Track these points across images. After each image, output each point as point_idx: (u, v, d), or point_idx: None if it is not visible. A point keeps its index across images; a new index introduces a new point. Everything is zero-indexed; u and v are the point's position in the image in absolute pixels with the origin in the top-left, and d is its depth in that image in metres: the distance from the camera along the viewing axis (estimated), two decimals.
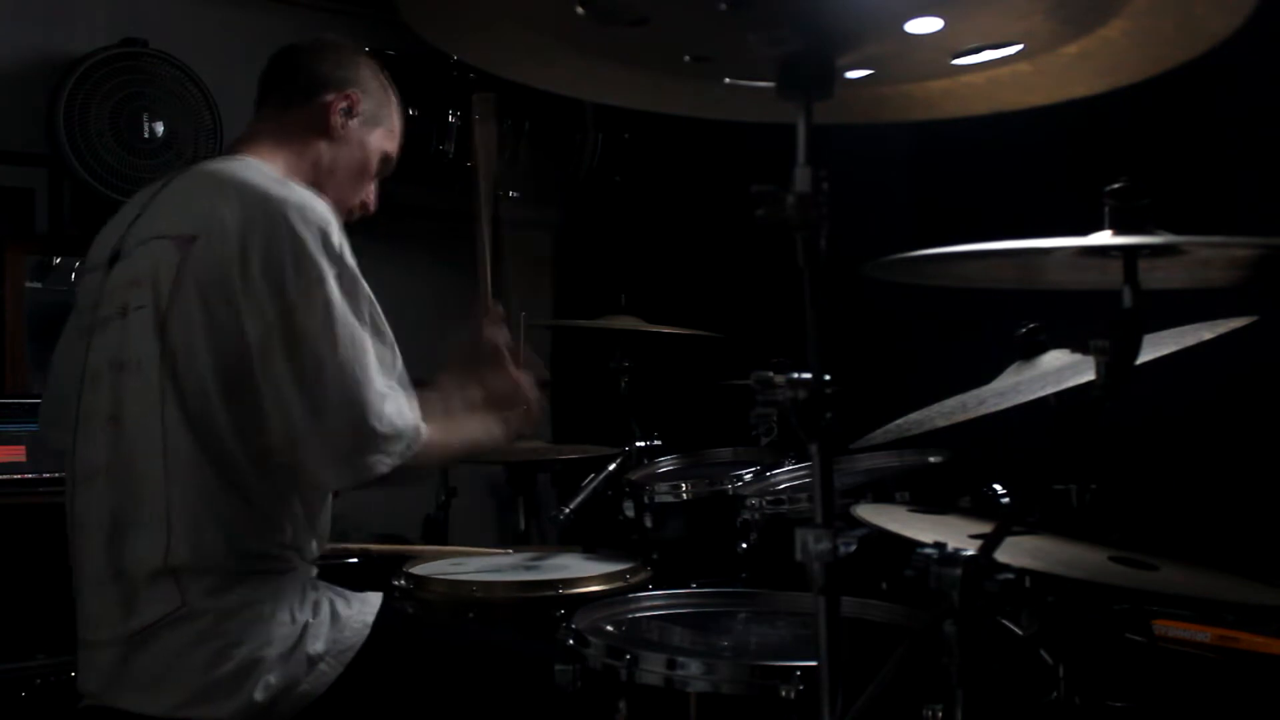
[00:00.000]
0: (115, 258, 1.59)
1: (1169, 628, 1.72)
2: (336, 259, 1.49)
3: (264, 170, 1.59)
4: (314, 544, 1.62)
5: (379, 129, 1.79)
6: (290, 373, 1.44)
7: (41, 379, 2.90)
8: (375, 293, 1.54)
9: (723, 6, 0.88)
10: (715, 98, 1.10)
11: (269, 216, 1.48)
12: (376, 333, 1.52)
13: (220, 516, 1.47)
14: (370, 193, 1.82)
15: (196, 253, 1.48)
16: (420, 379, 1.63)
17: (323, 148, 1.72)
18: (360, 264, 1.54)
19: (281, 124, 1.72)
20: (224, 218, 1.48)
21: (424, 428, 1.53)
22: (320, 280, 1.46)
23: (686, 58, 1.00)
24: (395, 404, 1.50)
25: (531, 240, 4.17)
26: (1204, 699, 1.71)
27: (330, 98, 1.72)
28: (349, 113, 1.73)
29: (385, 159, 1.81)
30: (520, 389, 1.77)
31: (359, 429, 1.45)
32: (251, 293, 1.45)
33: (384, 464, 1.48)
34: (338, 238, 1.51)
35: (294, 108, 1.72)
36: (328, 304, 1.46)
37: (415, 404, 1.55)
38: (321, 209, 1.52)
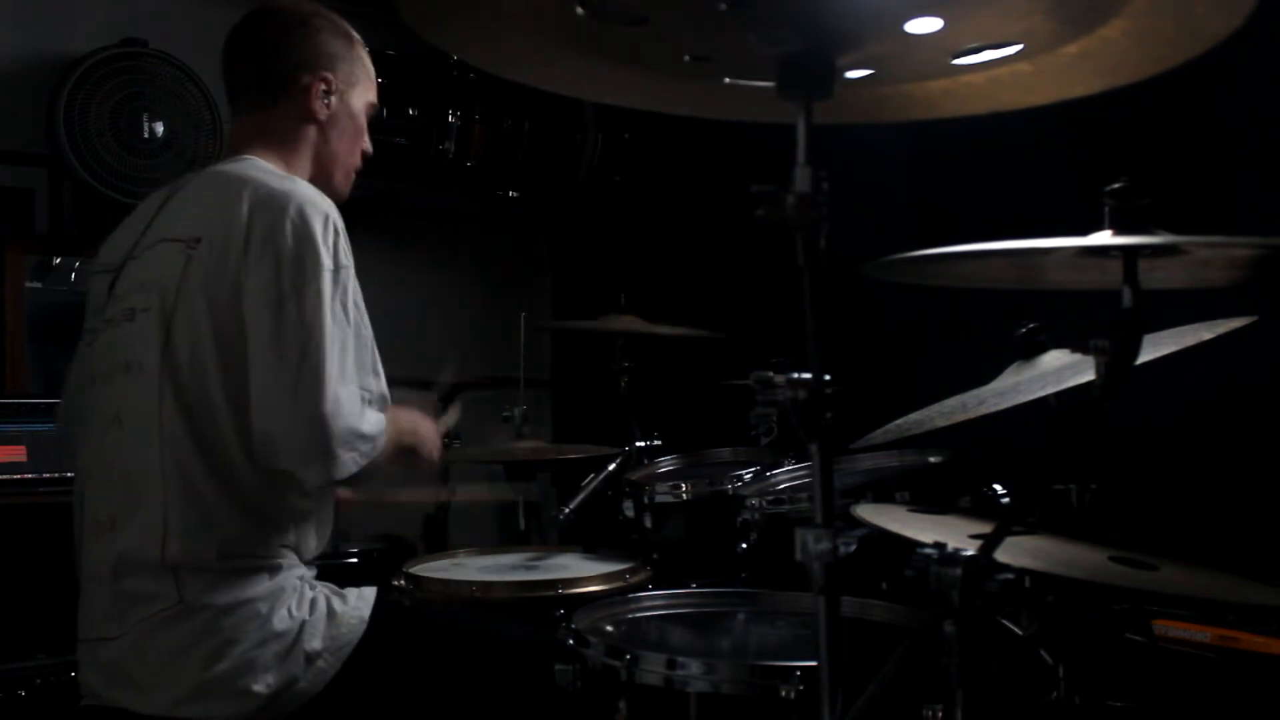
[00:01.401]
0: (126, 262, 1.62)
1: (1169, 628, 1.72)
2: (333, 254, 1.51)
3: (268, 168, 1.62)
4: (314, 543, 1.63)
5: (358, 87, 1.79)
6: (275, 360, 1.45)
7: (41, 379, 2.92)
8: (376, 292, 1.54)
9: (723, 6, 0.87)
10: (715, 98, 1.10)
11: (273, 209, 1.50)
12: (358, 334, 1.54)
13: (217, 516, 1.48)
14: (366, 143, 1.83)
15: (201, 254, 1.51)
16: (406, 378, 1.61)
17: (314, 132, 1.74)
18: (360, 263, 1.55)
19: (269, 120, 1.72)
20: (230, 217, 1.51)
21: (385, 433, 1.55)
22: (316, 273, 1.48)
23: (686, 58, 1.00)
24: (363, 404, 1.52)
25: (531, 240, 4.17)
26: (1204, 699, 1.71)
27: (306, 81, 1.71)
28: (329, 93, 1.73)
29: (370, 108, 1.82)
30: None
31: (330, 425, 1.45)
32: (251, 281, 1.48)
33: (352, 461, 1.48)
34: (335, 233, 1.53)
35: (277, 101, 1.72)
36: (319, 295, 1.47)
37: (384, 408, 1.59)
38: (325, 204, 1.55)
